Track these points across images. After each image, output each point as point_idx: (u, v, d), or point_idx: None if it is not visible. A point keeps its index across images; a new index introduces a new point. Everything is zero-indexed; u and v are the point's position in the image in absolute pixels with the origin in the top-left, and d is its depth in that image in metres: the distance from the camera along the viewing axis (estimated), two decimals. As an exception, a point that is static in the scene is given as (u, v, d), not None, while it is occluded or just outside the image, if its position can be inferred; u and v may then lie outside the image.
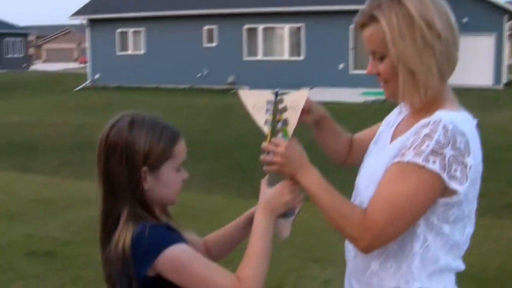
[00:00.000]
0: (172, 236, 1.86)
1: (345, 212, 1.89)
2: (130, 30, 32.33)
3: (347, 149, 2.35)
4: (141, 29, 31.95)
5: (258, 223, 1.93)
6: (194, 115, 19.49)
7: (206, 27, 30.58)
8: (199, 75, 30.18)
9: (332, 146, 2.33)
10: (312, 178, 1.93)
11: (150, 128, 1.91)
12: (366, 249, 1.91)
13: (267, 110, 1.98)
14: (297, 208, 2.04)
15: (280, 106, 1.98)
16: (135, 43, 32.29)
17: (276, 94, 2.00)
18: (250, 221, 2.01)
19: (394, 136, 2.04)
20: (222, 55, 29.83)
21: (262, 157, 1.96)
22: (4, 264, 6.26)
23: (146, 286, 1.84)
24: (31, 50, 70.95)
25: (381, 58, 1.92)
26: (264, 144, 1.96)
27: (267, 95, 2.01)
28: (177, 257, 1.81)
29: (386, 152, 1.97)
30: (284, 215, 2.01)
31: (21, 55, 52.89)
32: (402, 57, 1.86)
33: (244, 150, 12.98)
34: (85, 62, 35.78)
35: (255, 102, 2.00)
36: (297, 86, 26.44)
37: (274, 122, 1.97)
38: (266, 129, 1.98)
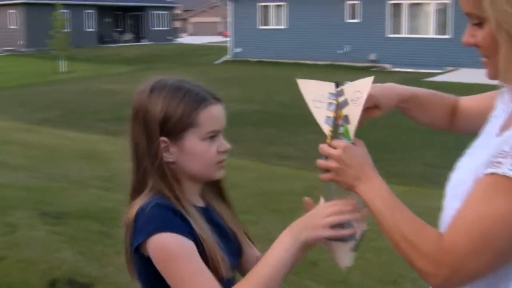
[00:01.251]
0: (171, 222, 1.59)
1: (414, 237, 1.41)
2: (272, 4, 32.22)
3: (448, 117, 1.86)
4: (283, 3, 31.75)
5: (278, 243, 1.60)
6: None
7: (349, 2, 29.87)
8: (340, 51, 29.57)
9: (426, 119, 1.86)
10: (374, 190, 1.50)
11: (169, 94, 1.68)
12: (439, 287, 1.41)
13: (329, 105, 1.60)
14: (358, 231, 1.60)
15: (341, 99, 1.59)
16: (276, 17, 32.17)
17: (337, 85, 1.61)
18: None
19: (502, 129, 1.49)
20: (364, 32, 29.01)
21: (318, 162, 1.57)
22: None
23: (139, 264, 1.66)
24: (178, 24, 72.91)
25: (479, 24, 1.41)
26: (321, 146, 1.57)
27: (330, 85, 1.62)
28: (165, 246, 1.57)
29: (483, 152, 1.44)
30: (344, 239, 1.58)
31: (166, 28, 54.28)
32: (503, 20, 1.34)
33: (382, 129, 12.35)
34: (227, 36, 36.07)
35: (316, 94, 1.63)
36: (441, 66, 25.36)
37: (335, 120, 1.58)
38: (326, 128, 1.59)
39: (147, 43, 49.15)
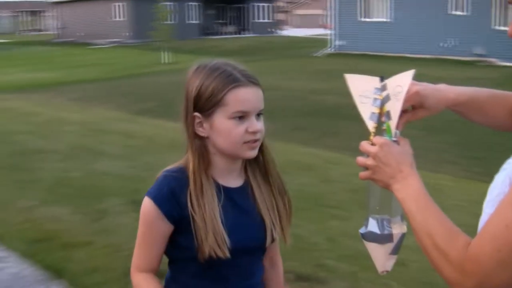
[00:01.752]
0: (158, 193, 1.82)
1: (443, 243, 1.31)
2: (375, -4, 31.71)
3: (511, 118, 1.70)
4: (386, -5, 31.16)
5: None
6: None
7: (454, -7, 28.97)
8: (444, 44, 28.71)
9: (484, 121, 1.73)
10: (408, 190, 1.41)
11: (206, 74, 1.81)
12: None
13: (374, 100, 1.54)
14: (396, 234, 1.53)
15: (384, 93, 1.53)
16: (380, 9, 31.58)
17: (382, 79, 1.55)
18: None
19: None
20: (469, 24, 28.00)
21: (357, 159, 1.54)
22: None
23: None
24: (280, 16, 73.09)
25: None
26: (361, 143, 1.53)
27: (376, 80, 1.56)
28: (142, 208, 1.85)
29: None
30: (381, 241, 1.52)
31: (269, 20, 54.48)
32: None
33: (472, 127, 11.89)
34: (329, 28, 35.79)
35: (362, 89, 1.57)
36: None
37: (380, 116, 1.52)
38: (371, 125, 1.53)
39: (249, 35, 49.50)
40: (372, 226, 1.55)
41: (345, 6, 32.34)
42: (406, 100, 1.52)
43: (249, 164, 1.90)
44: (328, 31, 36.78)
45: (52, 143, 10.37)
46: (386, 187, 1.47)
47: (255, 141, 1.79)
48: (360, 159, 1.53)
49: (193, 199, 1.78)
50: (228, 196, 1.84)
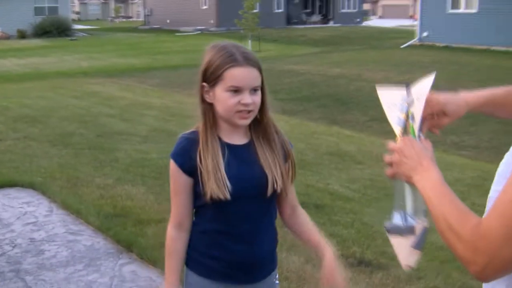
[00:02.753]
0: (177, 152, 2.22)
1: (457, 225, 1.38)
2: (464, -12, 30.90)
3: None
4: (476, -14, 30.31)
5: None
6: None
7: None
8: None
9: (507, 116, 1.86)
10: (427, 180, 1.50)
11: (215, 52, 2.16)
12: (481, 277, 1.37)
13: (401, 107, 1.67)
14: (418, 227, 1.60)
15: (409, 99, 1.66)
16: (467, 1, 30.78)
17: (407, 86, 1.68)
18: (313, 248, 2.38)
19: None
20: None
21: (384, 157, 1.65)
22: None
23: None
24: (367, 6, 72.22)
25: None
26: (388, 143, 1.65)
27: (403, 89, 1.69)
28: (170, 167, 2.23)
29: None
30: (404, 233, 1.60)
31: (355, 10, 53.99)
32: None
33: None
34: (416, 19, 35.18)
35: (392, 98, 1.71)
36: None
37: (405, 120, 1.65)
38: (398, 129, 1.66)
39: (335, 25, 49.23)
40: (396, 219, 1.63)
41: (433, -3, 31.67)
42: (428, 108, 1.67)
43: (253, 127, 2.23)
44: (415, 22, 36.17)
45: (133, 126, 10.71)
46: (409, 180, 1.56)
47: (248, 112, 2.13)
48: (386, 156, 1.63)
49: (201, 152, 2.15)
50: (233, 152, 2.19)
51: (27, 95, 14.76)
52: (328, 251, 2.32)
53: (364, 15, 58.24)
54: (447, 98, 1.77)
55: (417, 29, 32.81)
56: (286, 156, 2.27)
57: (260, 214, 2.25)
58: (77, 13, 77.10)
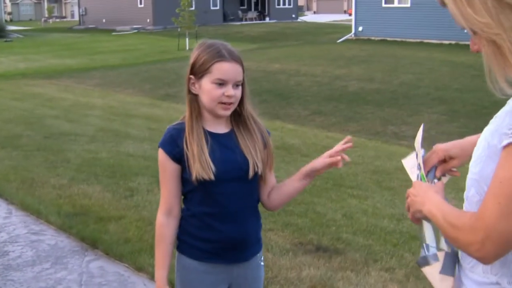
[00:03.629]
0: (165, 141, 2.39)
1: (456, 219, 1.60)
2: (397, -18, 31.55)
3: None
4: (408, -20, 31.01)
5: None
6: (453, 73, 18.49)
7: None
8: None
9: None
10: (432, 204, 1.72)
11: (204, 47, 2.38)
12: (483, 256, 1.54)
13: (418, 165, 1.94)
14: (441, 253, 1.80)
15: (418, 157, 1.94)
16: (400, -5, 31.47)
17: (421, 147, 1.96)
18: (305, 176, 2.46)
19: None
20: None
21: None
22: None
23: None
24: (302, 1, 72.84)
25: (474, 32, 1.61)
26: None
27: (413, 153, 1.98)
28: (158, 157, 2.41)
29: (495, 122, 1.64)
30: (430, 262, 1.81)
31: (290, 6, 54.46)
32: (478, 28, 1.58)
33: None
34: (351, 14, 35.74)
35: (412, 163, 1.98)
36: None
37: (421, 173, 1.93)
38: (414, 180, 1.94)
39: (271, 21, 49.50)
40: (422, 252, 1.83)
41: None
42: (436, 156, 1.97)
43: (234, 118, 2.44)
44: (350, 17, 36.67)
45: (79, 126, 10.70)
46: (421, 214, 1.77)
47: (230, 103, 2.35)
48: (406, 204, 1.85)
49: (187, 139, 2.35)
50: (216, 139, 2.39)
51: (-35, 99, 14.50)
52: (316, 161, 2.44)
53: (300, 10, 58.72)
54: (449, 145, 2.02)
55: (352, 24, 33.31)
56: (266, 143, 2.49)
57: (244, 195, 2.44)
58: (9, 13, 75.36)
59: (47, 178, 6.85)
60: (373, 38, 31.07)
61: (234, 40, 34.47)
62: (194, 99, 2.39)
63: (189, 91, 2.40)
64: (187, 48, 28.90)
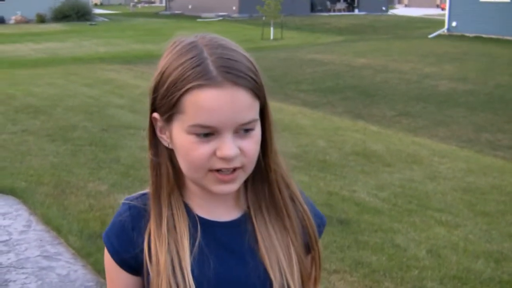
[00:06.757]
0: (111, 234, 1.28)
1: None
2: (498, -25, 29.76)
3: None
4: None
5: None
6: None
7: None
8: None
9: None
10: None
11: (175, 55, 1.19)
12: None
13: None
14: None
15: None
16: (501, -11, 29.67)
17: None
18: None
19: None
20: None
21: None
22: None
23: None
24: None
25: None
26: None
27: None
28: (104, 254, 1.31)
29: None
30: None
31: (381, -2, 52.88)
32: None
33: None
34: (445, 9, 34.10)
35: None
36: None
37: None
38: None
39: (360, 13, 48.16)
40: None
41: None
42: None
43: (251, 188, 1.29)
44: (443, 11, 35.15)
45: (142, 118, 9.89)
46: None
47: (232, 171, 1.18)
48: None
49: (150, 234, 1.23)
50: (211, 234, 1.25)
51: (36, 82, 14.09)
52: None
53: (390, 3, 57.05)
54: None
55: (445, 19, 31.81)
56: (309, 241, 1.31)
57: None
58: (100, -3, 76.63)
59: (86, 182, 5.99)
60: (467, 34, 29.44)
61: (321, 31, 33.53)
62: (167, 155, 1.26)
63: (153, 145, 1.28)
64: (272, 37, 28.10)
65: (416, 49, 23.07)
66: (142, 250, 1.23)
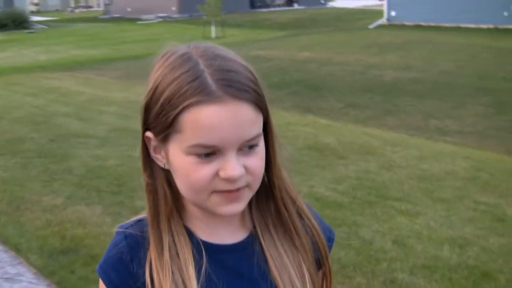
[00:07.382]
0: (110, 263, 1.18)
1: None
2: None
3: None
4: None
5: None
6: (496, 59, 17.19)
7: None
8: (505, 13, 27.19)
9: None
10: None
11: (168, 68, 1.11)
12: None
13: None
14: None
15: None
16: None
17: None
18: None
19: None
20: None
21: None
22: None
23: None
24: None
25: None
26: None
27: None
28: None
29: None
30: None
31: (320, -9, 53.22)
32: None
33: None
34: (383, -1, 34.55)
35: None
36: None
37: None
38: None
39: (300, 7, 48.38)
40: None
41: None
42: None
43: (256, 206, 1.22)
44: (382, 2, 35.58)
45: (91, 126, 9.75)
46: None
47: (237, 191, 1.10)
48: None
49: (152, 264, 1.14)
50: (218, 260, 1.17)
51: (-23, 95, 13.69)
52: None
53: (329, -4, 57.52)
54: None
55: (384, 9, 32.21)
56: (319, 257, 1.26)
57: None
58: (36, 4, 75.04)
59: (40, 196, 5.81)
60: (407, 23, 29.89)
61: (262, 27, 33.53)
62: (161, 178, 1.18)
63: (148, 166, 1.19)
64: (213, 35, 28.00)
65: (359, 40, 23.26)
66: (143, 283, 1.15)
